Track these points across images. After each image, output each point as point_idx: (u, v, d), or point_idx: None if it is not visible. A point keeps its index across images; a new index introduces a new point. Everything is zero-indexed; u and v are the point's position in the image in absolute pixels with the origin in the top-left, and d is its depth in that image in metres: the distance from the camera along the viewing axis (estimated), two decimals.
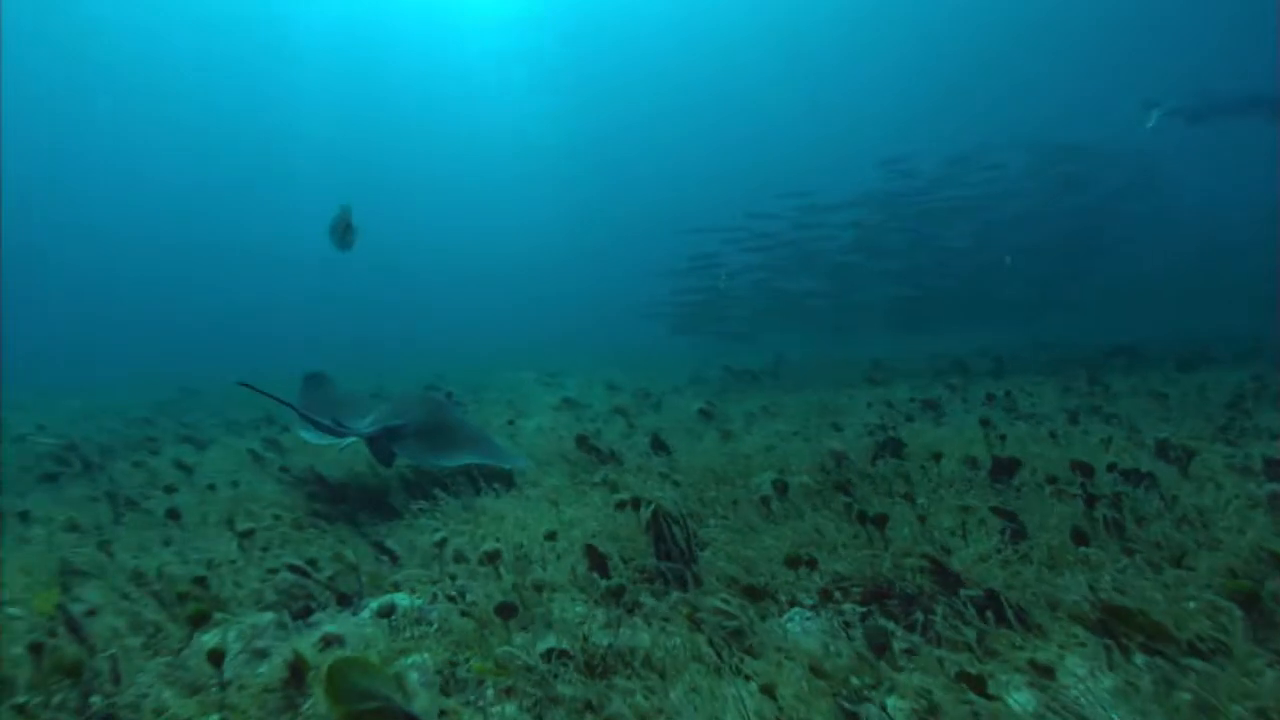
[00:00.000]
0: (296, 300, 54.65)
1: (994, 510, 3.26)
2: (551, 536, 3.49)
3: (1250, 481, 3.67)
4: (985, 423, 5.44)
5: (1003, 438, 4.94)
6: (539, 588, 2.87)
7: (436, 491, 4.56)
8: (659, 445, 5.26)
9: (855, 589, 2.79)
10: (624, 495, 3.84)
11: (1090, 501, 3.32)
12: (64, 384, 19.28)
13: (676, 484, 4.36)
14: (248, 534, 3.86)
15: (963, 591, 2.53)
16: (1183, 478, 3.85)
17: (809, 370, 13.76)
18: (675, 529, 3.09)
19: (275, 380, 6.12)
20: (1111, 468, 3.91)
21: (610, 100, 52.47)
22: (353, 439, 4.89)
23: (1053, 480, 3.75)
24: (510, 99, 53.06)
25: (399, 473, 5.51)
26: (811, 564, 2.88)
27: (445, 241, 61.15)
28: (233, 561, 3.56)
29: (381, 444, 4.91)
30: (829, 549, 3.14)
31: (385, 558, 3.41)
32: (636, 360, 18.59)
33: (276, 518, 4.39)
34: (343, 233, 8.68)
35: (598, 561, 3.02)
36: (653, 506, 3.14)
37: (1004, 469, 3.95)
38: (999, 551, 2.95)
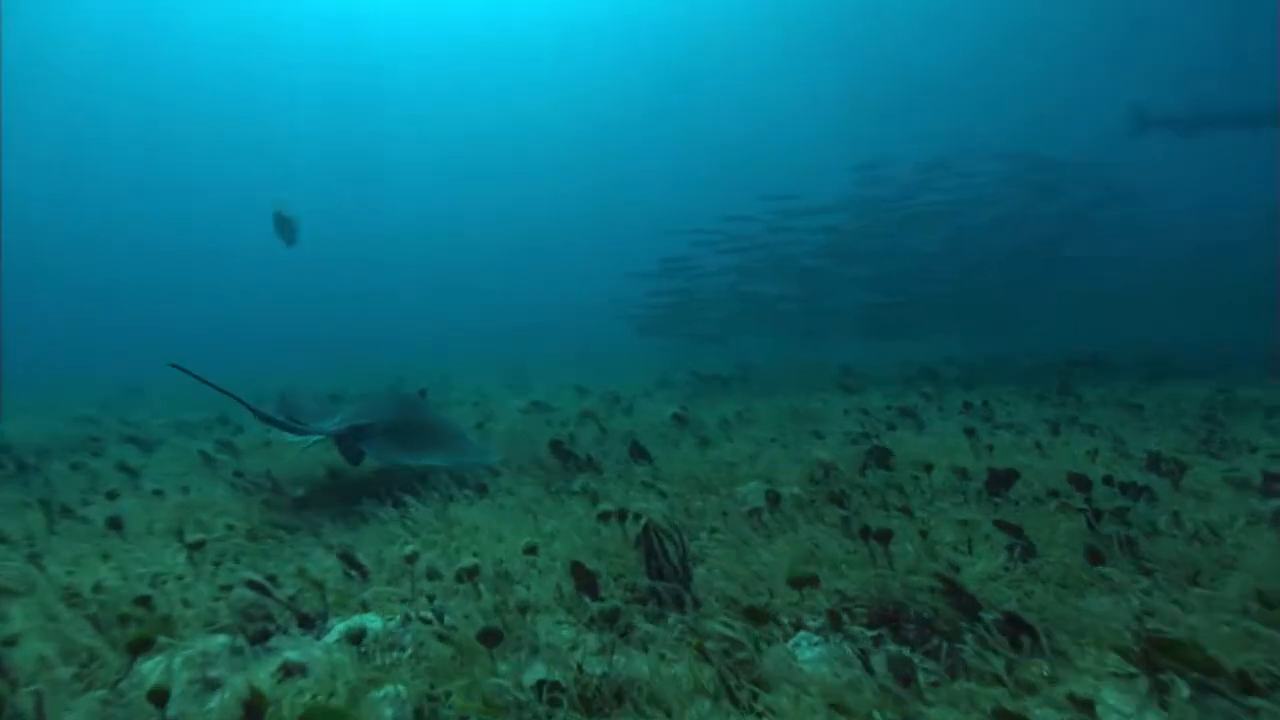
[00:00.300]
0: (262, 300, 53.05)
1: (998, 524, 3.13)
2: (532, 551, 3.26)
3: (1249, 497, 3.61)
4: (970, 432, 5.35)
5: (990, 448, 4.85)
6: (523, 609, 2.64)
7: (406, 499, 4.29)
8: (639, 452, 5.06)
9: (862, 610, 2.62)
10: (607, 506, 3.62)
11: (1095, 516, 3.21)
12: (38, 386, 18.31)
13: (663, 494, 4.15)
14: (198, 546, 3.55)
15: (981, 614, 2.38)
16: (1178, 492, 3.78)
17: (777, 375, 13.70)
18: (668, 545, 2.89)
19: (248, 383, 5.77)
20: (1107, 481, 3.82)
21: (585, 99, 52.17)
22: (318, 437, 4.84)
23: (1054, 494, 3.64)
24: (481, 96, 52.50)
25: (364, 478, 5.21)
26: (814, 582, 2.71)
27: (410, 239, 60.10)
28: (181, 577, 3.25)
29: (349, 442, 4.82)
30: (829, 565, 2.97)
31: (353, 572, 3.14)
32: (603, 362, 18.36)
33: (230, 527, 4.08)
34: (284, 228, 8.54)
35: (585, 580, 2.79)
36: (644, 521, 2.93)
37: (1000, 481, 3.83)
38: (1008, 569, 2.81)
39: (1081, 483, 3.71)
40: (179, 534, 3.78)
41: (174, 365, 4.08)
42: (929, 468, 4.30)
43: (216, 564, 3.44)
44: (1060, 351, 14.95)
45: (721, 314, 16.53)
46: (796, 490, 3.89)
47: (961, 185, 15.18)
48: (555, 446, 5.11)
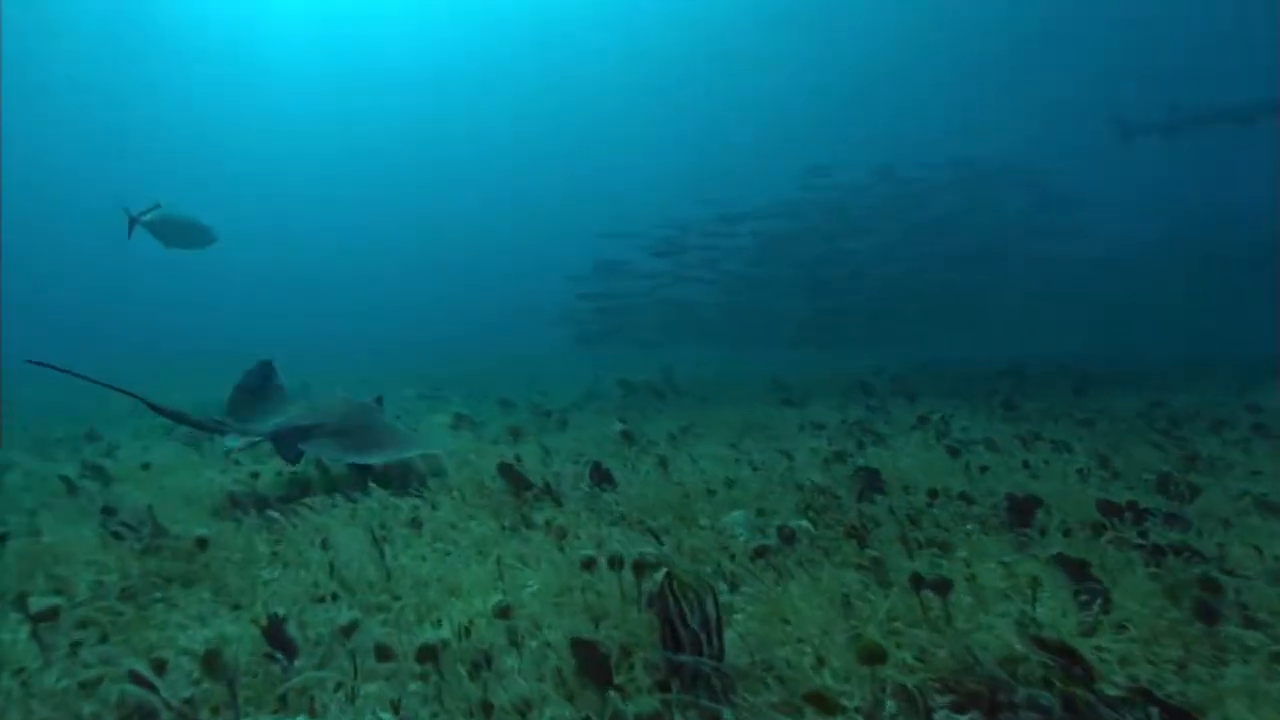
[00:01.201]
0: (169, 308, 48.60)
1: (1060, 562, 2.70)
2: (505, 614, 2.60)
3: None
4: (954, 452, 5.01)
5: (984, 469, 4.50)
6: (521, 711, 1.98)
7: (333, 537, 3.52)
8: (602, 476, 4.43)
9: (943, 687, 2.11)
10: (589, 550, 2.99)
11: (1156, 553, 2.83)
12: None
13: (651, 532, 3.55)
14: (49, 615, 2.68)
15: (1100, 688, 1.90)
16: (1208, 518, 3.49)
17: (707, 385, 13.33)
18: (686, 605, 2.29)
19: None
20: (1131, 507, 3.49)
21: (520, 101, 50.61)
22: (258, 439, 4.81)
23: (1095, 526, 3.25)
24: (409, 93, 50.28)
25: (278, 506, 4.36)
26: (879, 657, 2.17)
27: (324, 248, 56.69)
28: (20, 671, 2.39)
29: (288, 442, 4.83)
30: (876, 623, 2.45)
31: (277, 655, 2.38)
32: (524, 371, 17.51)
33: (99, 583, 3.20)
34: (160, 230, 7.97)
35: (592, 661, 2.16)
36: (665, 573, 2.32)
37: (1022, 510, 3.43)
38: (1093, 624, 2.37)
39: (1111, 510, 3.36)
40: (22, 599, 2.89)
41: (33, 361, 3.70)
42: (934, 494, 3.88)
43: (77, 644, 2.59)
44: (981, 362, 15.29)
45: (653, 320, 16.10)
46: (805, 524, 3.37)
47: (899, 194, 15.34)
48: (505, 471, 4.42)
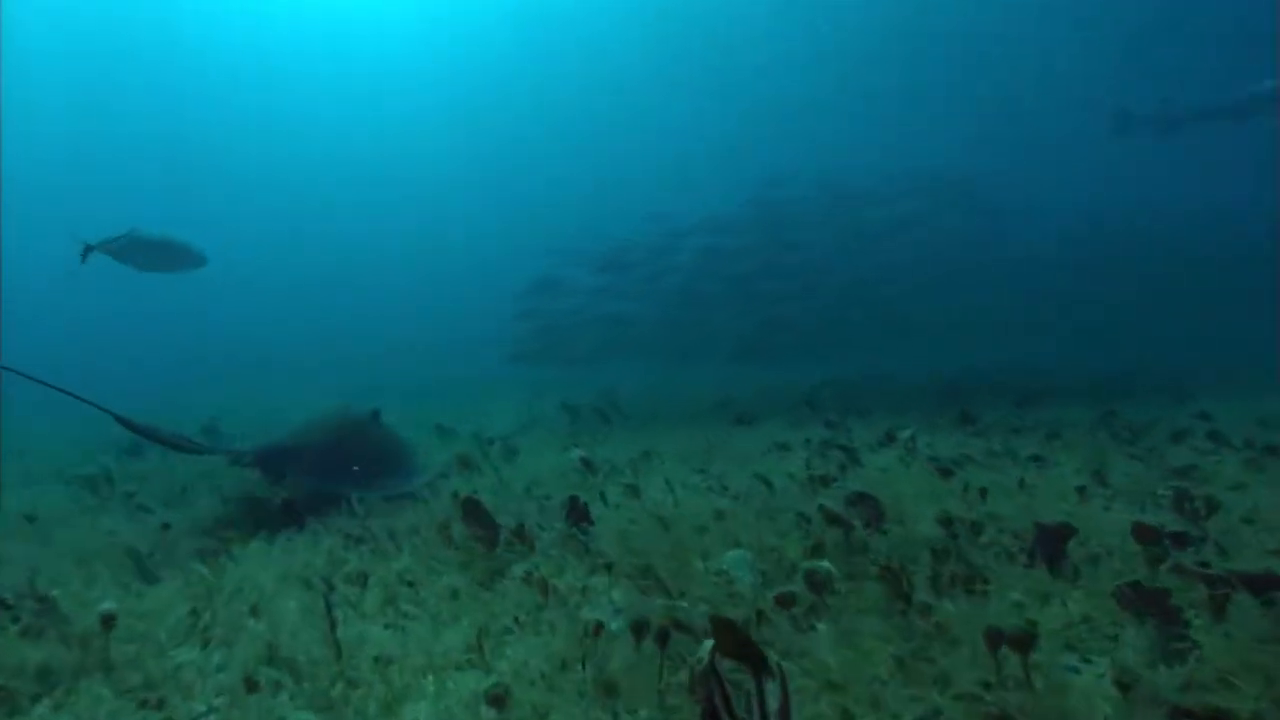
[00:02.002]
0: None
1: (1129, 597, 2.39)
2: (498, 702, 2.10)
3: None
4: (946, 473, 4.75)
5: (984, 492, 4.22)
6: None
7: (266, 610, 2.93)
8: (580, 514, 3.93)
9: None
10: (594, 611, 2.52)
11: (1212, 584, 2.56)
12: None
13: (662, 586, 3.08)
14: None
15: None
16: (1243, 539, 3.28)
17: (653, 405, 12.95)
18: (762, 693, 1.86)
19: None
20: (1169, 533, 3.24)
21: (456, 111, 49.01)
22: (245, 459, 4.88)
23: (1156, 558, 2.97)
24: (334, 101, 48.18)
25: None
26: None
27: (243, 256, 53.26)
28: None
29: (270, 463, 4.86)
30: (956, 695, 2.07)
31: None
32: (458, 393, 16.69)
33: None
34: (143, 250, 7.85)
35: None
36: (709, 649, 1.87)
37: (1054, 539, 3.14)
38: (1195, 676, 2.05)
39: (1148, 534, 3.10)
40: None
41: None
42: (947, 523, 3.56)
43: None
44: (918, 375, 15.42)
45: (591, 337, 15.64)
46: (826, 566, 2.98)
47: (836, 206, 15.37)
48: (469, 509, 3.87)
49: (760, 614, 2.67)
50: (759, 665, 1.74)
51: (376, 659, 2.51)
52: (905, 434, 6.77)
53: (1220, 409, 7.88)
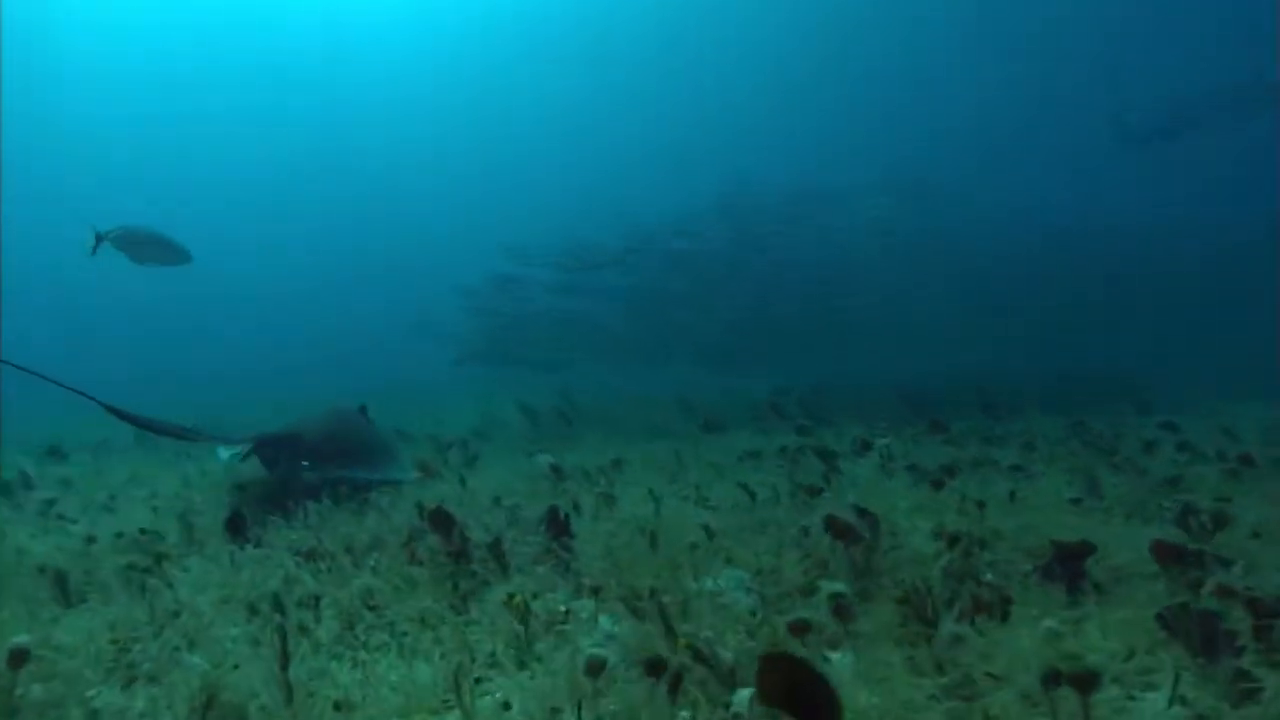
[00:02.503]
0: None
1: (1177, 624, 2.19)
2: None
3: None
4: (938, 485, 4.57)
5: (981, 505, 4.04)
6: None
7: (205, 642, 2.54)
8: (559, 527, 3.61)
9: None
10: (598, 650, 2.21)
11: (1255, 608, 2.39)
12: None
13: (659, 611, 2.79)
14: None
15: None
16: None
17: (614, 410, 12.67)
18: None
19: None
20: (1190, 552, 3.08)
21: (409, 111, 47.67)
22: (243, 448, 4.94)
23: (1196, 583, 2.78)
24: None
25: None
26: None
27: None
28: None
29: (267, 451, 5.01)
30: None
31: None
32: (409, 398, 16.11)
33: None
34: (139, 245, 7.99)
35: None
36: (749, 699, 1.58)
37: (1071, 558, 2.95)
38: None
39: (1169, 553, 2.93)
40: None
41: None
42: (953, 541, 3.36)
43: None
44: (879, 381, 15.46)
45: (547, 338, 15.30)
46: (840, 588, 2.73)
47: (799, 214, 15.30)
48: (438, 521, 3.52)
49: (793, 629, 2.40)
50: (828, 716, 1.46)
51: (337, 705, 2.16)
52: (882, 442, 6.63)
53: (1185, 419, 7.97)
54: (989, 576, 2.97)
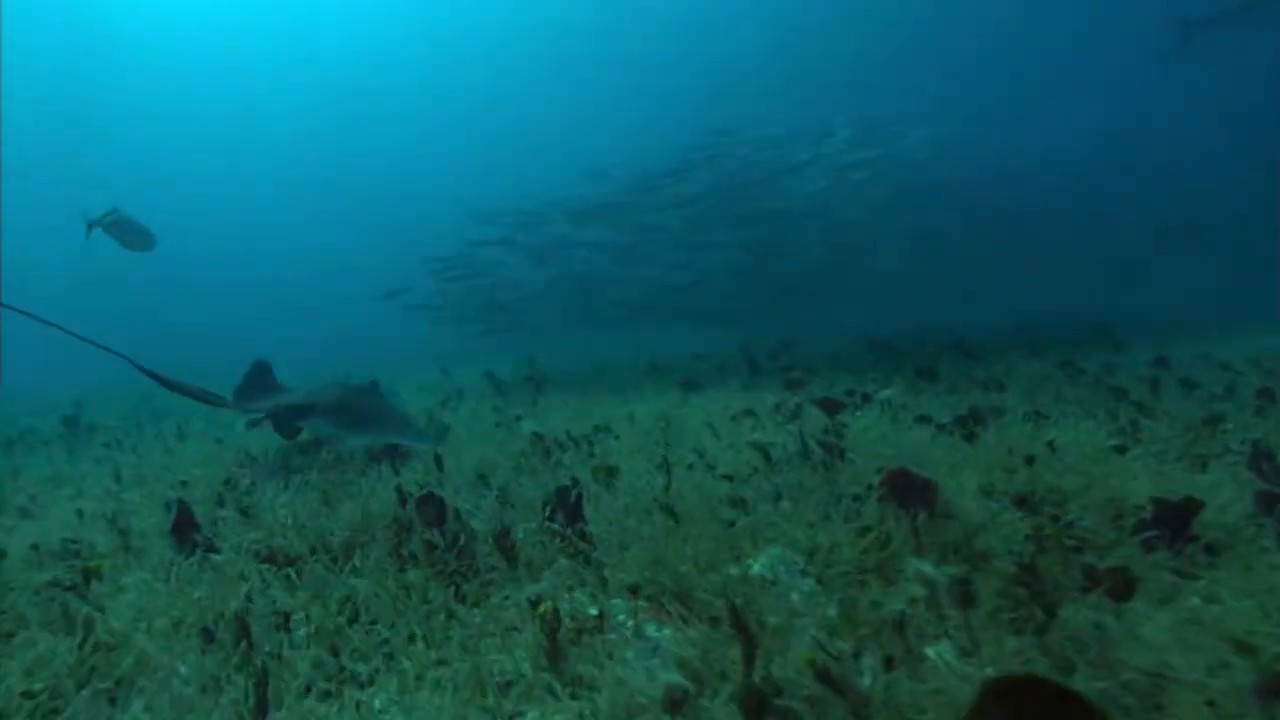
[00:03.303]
0: None
1: None
2: None
3: None
4: (970, 437, 4.18)
5: (1030, 461, 3.66)
6: None
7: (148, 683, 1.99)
8: (571, 511, 3.09)
9: None
10: (654, 669, 1.73)
11: None
12: None
13: (743, 616, 2.31)
14: None
15: None
16: None
17: (579, 372, 12.17)
18: None
19: None
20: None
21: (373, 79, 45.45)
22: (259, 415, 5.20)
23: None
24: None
25: None
26: None
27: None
28: None
29: (283, 419, 5.17)
30: None
31: None
32: (365, 364, 15.29)
33: None
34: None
35: None
36: None
37: (1177, 519, 2.57)
38: None
39: (1273, 500, 2.58)
40: None
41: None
42: (1023, 501, 2.96)
43: None
44: (843, 334, 15.22)
45: (519, 299, 14.66)
46: (929, 569, 2.30)
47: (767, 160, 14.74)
48: (427, 509, 2.97)
49: (893, 624, 1.96)
50: None
51: None
52: (884, 393, 6.26)
53: (1172, 354, 7.83)
54: (1080, 542, 2.58)
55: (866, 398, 6.35)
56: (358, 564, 2.87)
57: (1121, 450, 3.90)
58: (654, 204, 14.49)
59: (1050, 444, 4.03)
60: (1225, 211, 19.98)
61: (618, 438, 5.75)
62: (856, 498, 3.21)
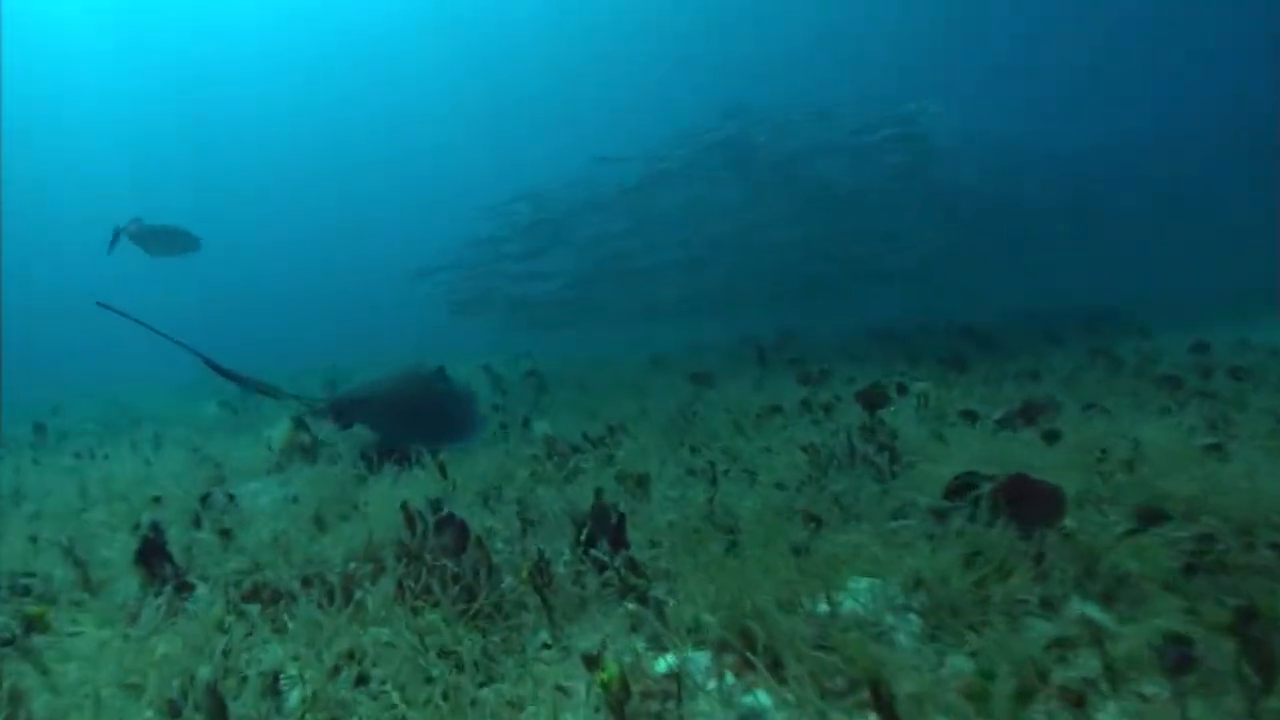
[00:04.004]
0: None
1: None
2: None
3: None
4: (1051, 436, 3.73)
5: (1130, 466, 3.20)
6: None
7: None
8: (614, 533, 2.59)
9: None
10: None
11: None
12: None
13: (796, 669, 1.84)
14: None
15: None
16: None
17: (574, 372, 11.69)
18: None
19: None
20: None
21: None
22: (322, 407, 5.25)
23: None
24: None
25: None
26: None
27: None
28: None
29: (342, 410, 5.17)
30: None
31: None
32: (344, 367, 14.70)
33: None
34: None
35: None
36: None
37: None
38: None
39: None
40: None
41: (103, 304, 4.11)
42: (1151, 516, 2.51)
43: None
44: (838, 327, 14.77)
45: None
46: (1095, 613, 1.83)
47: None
48: (443, 532, 2.47)
49: (1072, 699, 1.50)
50: None
51: None
52: (919, 386, 5.81)
53: (1211, 339, 7.45)
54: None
55: (903, 390, 5.88)
56: (363, 601, 2.38)
57: (1216, 448, 3.46)
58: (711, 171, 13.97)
59: (1137, 444, 3.58)
60: (1215, 193, 19.79)
61: (635, 439, 5.26)
62: (940, 512, 2.74)
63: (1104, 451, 3.27)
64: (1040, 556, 2.26)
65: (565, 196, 14.03)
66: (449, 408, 5.42)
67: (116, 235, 7.84)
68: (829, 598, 2.22)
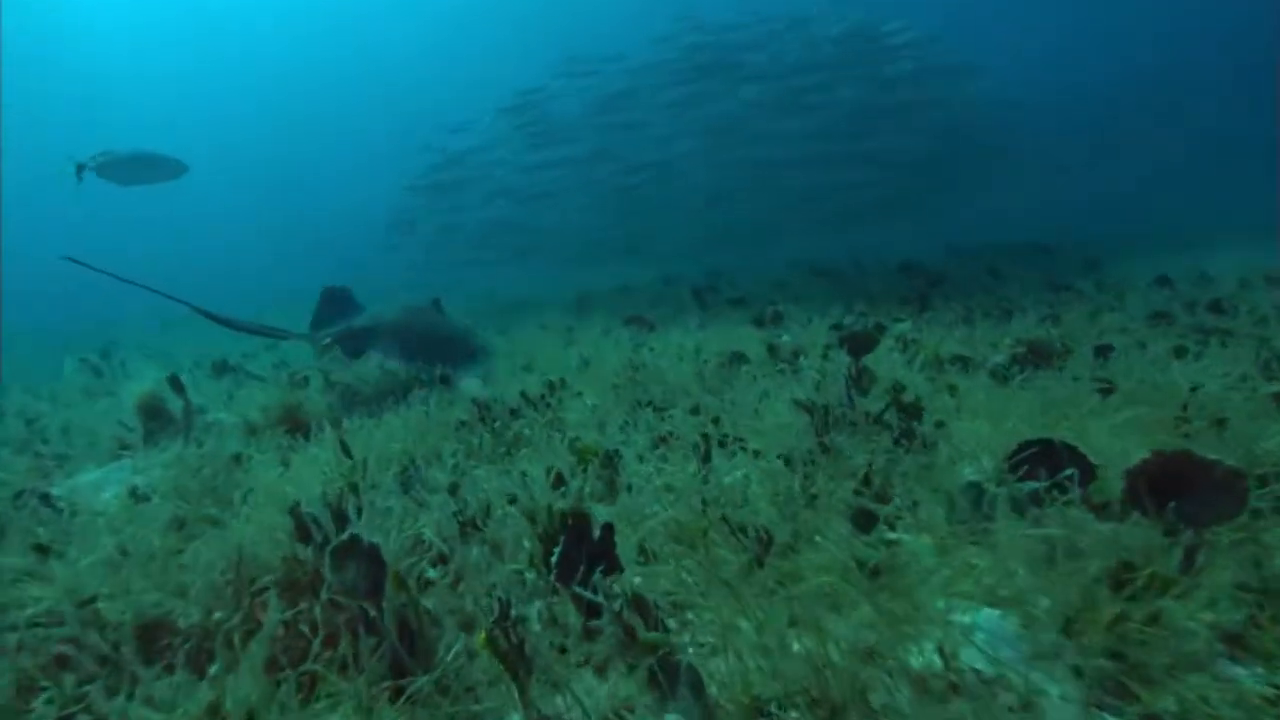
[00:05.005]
0: None
1: None
2: None
3: None
4: (1107, 390, 3.12)
5: (1220, 421, 2.62)
6: None
7: None
8: (603, 556, 1.79)
9: None
10: None
11: None
12: None
13: None
14: None
15: None
16: None
17: (493, 311, 10.74)
18: None
19: None
20: None
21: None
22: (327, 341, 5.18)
23: None
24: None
25: None
26: None
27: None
28: None
29: (350, 342, 5.21)
30: None
31: None
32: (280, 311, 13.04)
33: None
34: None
35: None
36: None
37: None
38: None
39: None
40: None
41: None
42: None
43: None
44: (770, 264, 14.22)
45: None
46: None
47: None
48: (345, 567, 1.62)
49: None
50: None
51: None
52: (900, 327, 5.20)
53: (1169, 271, 7.16)
54: None
55: (881, 329, 5.23)
56: (221, 679, 1.50)
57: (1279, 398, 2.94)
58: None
59: (1194, 389, 3.02)
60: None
61: (583, 398, 4.41)
62: (1030, 500, 2.07)
63: (1185, 409, 2.66)
64: (1190, 559, 1.60)
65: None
66: (454, 333, 5.61)
67: (80, 170, 7.32)
68: (941, 646, 1.51)
